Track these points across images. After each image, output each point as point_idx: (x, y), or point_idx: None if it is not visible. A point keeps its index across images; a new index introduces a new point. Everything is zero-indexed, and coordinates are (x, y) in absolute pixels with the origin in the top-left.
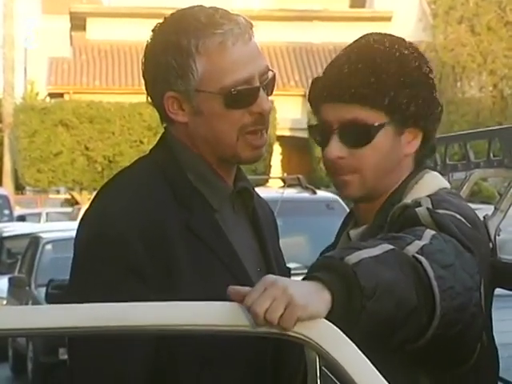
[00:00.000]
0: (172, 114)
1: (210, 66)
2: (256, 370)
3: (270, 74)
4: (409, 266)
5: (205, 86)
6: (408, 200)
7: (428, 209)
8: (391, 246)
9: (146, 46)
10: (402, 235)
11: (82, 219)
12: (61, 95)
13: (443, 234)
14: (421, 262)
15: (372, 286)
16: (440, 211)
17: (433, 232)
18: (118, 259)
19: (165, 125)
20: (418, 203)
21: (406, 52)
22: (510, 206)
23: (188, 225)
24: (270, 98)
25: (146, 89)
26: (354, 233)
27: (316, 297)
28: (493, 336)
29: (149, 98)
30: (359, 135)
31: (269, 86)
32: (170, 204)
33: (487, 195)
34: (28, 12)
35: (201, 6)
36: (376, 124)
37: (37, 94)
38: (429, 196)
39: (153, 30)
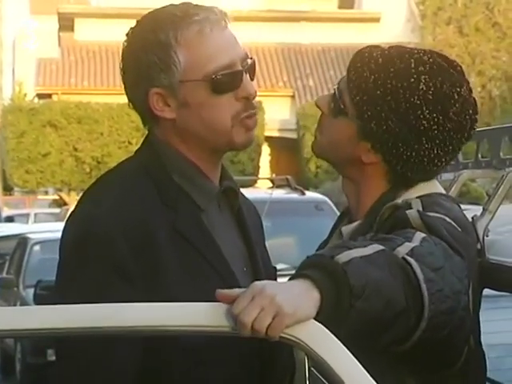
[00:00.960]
0: (158, 112)
1: (192, 54)
2: (249, 369)
3: (250, 60)
4: (398, 267)
5: (189, 75)
6: (399, 201)
7: (418, 211)
8: (381, 247)
9: (123, 49)
10: (393, 236)
11: (67, 220)
12: (49, 96)
13: (433, 237)
14: (410, 264)
15: (361, 285)
16: (430, 214)
17: (423, 235)
18: (103, 259)
19: (147, 126)
20: (408, 204)
21: (421, 86)
22: (498, 207)
23: (174, 225)
24: (258, 98)
25: (127, 92)
26: (345, 229)
27: (305, 298)
28: (480, 339)
29: (130, 103)
30: (334, 106)
31: (251, 71)
32: (156, 205)
33: (476, 196)
34: (16, 12)
35: (172, 3)
36: (342, 107)
37: (25, 94)
38: (419, 198)
39: (127, 34)
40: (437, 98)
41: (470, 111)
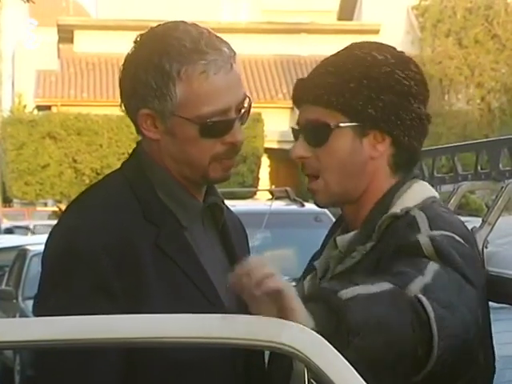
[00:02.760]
0: (145, 130)
1: (190, 92)
2: (232, 381)
3: (247, 102)
4: (408, 305)
5: (181, 111)
6: (397, 209)
7: (429, 237)
8: (391, 285)
9: (126, 57)
10: (405, 270)
11: (51, 232)
12: (48, 108)
13: (447, 269)
14: (421, 302)
15: (361, 323)
16: (437, 233)
17: (436, 266)
18: (85, 274)
19: (139, 139)
20: (410, 216)
21: (381, 58)
22: (497, 219)
23: (156, 242)
24: (257, 110)
25: (122, 98)
26: (340, 239)
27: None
28: (493, 355)
29: (123, 107)
30: (318, 134)
31: (244, 116)
32: (139, 220)
33: (475, 208)
34: (15, 25)
35: (185, 24)
36: (331, 124)
37: (24, 106)
38: (422, 210)
39: (135, 42)
40: (397, 59)
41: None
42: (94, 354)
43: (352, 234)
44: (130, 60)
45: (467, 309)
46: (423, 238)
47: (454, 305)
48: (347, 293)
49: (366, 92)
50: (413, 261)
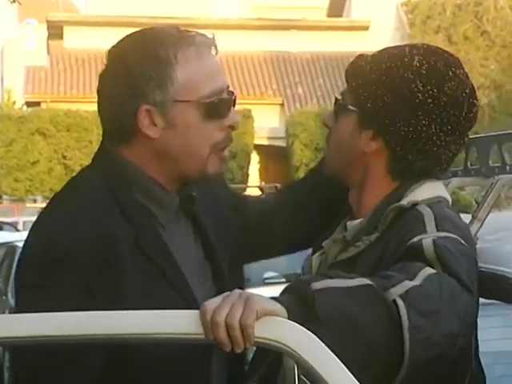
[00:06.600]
0: (145, 129)
1: (189, 74)
2: (215, 380)
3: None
4: (382, 306)
5: (183, 95)
6: (404, 202)
7: (434, 241)
8: (369, 282)
9: (110, 62)
10: (394, 274)
11: (30, 231)
12: (38, 104)
13: (442, 275)
14: (398, 308)
15: (328, 315)
16: (442, 234)
17: (429, 272)
18: (64, 273)
19: (106, 142)
20: (418, 213)
21: (415, 63)
22: (487, 215)
23: (135, 241)
24: (247, 106)
25: (107, 103)
26: (350, 224)
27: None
28: (479, 359)
29: (103, 114)
30: (336, 109)
31: (234, 102)
32: (117, 219)
33: (464, 204)
34: (4, 21)
35: (164, 26)
36: (343, 101)
37: (14, 102)
38: (430, 207)
39: (115, 47)
40: (431, 74)
41: (467, 91)
42: (72, 351)
43: (360, 221)
44: (116, 64)
45: (457, 318)
46: (427, 241)
47: (439, 313)
48: (317, 285)
49: (375, 87)
50: (409, 264)
